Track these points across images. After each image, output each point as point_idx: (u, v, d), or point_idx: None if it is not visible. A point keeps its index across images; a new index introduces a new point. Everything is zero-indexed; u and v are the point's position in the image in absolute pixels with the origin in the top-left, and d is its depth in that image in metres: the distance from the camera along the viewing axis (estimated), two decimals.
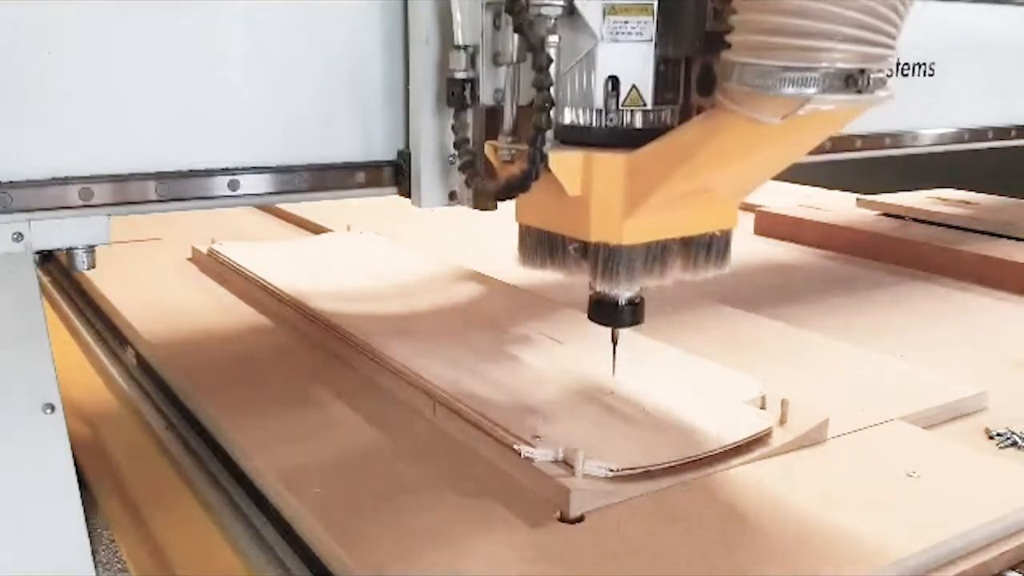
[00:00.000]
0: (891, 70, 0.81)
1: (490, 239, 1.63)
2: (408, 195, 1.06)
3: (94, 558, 0.91)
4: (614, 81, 0.90)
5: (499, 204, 1.01)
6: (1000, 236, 2.06)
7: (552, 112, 0.86)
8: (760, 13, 0.77)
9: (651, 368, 1.22)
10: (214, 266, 1.82)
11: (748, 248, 2.11)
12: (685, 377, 1.21)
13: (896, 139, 1.51)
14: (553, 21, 0.87)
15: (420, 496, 0.96)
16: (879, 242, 2.11)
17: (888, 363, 1.38)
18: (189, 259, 1.94)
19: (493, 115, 0.99)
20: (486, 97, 0.97)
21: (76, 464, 0.90)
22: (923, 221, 2.23)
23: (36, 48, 0.87)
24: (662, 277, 0.96)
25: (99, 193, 0.92)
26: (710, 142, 0.85)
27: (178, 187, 0.96)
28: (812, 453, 1.06)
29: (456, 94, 0.96)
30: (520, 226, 1.01)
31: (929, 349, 1.48)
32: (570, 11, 0.88)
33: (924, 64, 1.47)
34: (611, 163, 0.89)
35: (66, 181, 0.90)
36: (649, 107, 0.91)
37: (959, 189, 2.53)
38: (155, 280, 1.79)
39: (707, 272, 0.98)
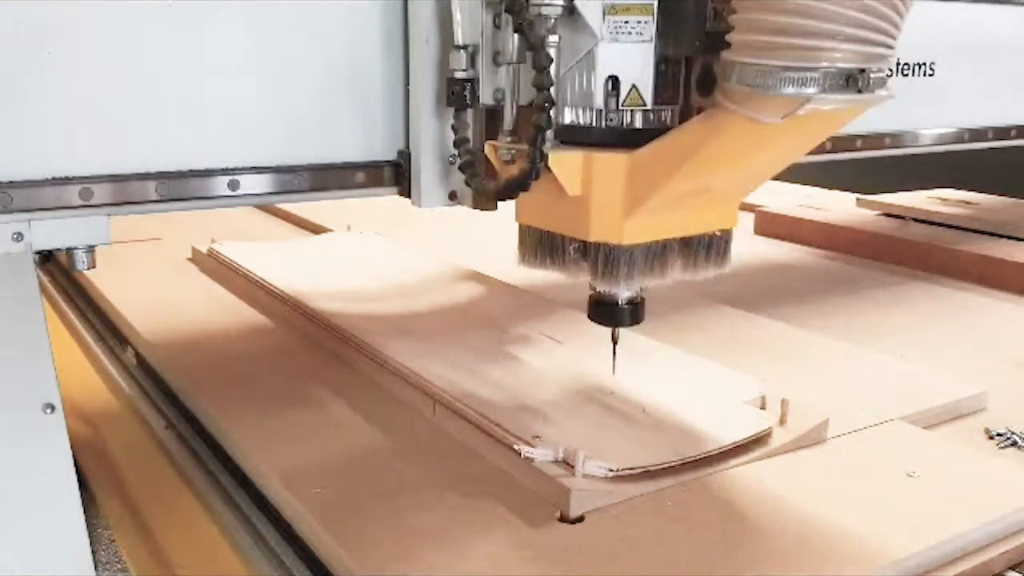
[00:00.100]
0: (891, 70, 0.81)
1: (490, 239, 1.63)
2: (408, 195, 1.06)
3: (94, 558, 0.91)
4: (614, 81, 0.90)
5: (499, 204, 1.01)
6: (1000, 236, 2.06)
7: (552, 112, 0.86)
8: (760, 13, 0.77)
9: (651, 368, 1.22)
10: (214, 266, 1.82)
11: (748, 248, 2.11)
12: (685, 377, 1.21)
13: (896, 139, 1.51)
14: (553, 21, 0.87)
15: (420, 496, 0.96)
16: (879, 242, 2.11)
17: (888, 363, 1.38)
18: (189, 259, 1.94)
19: (493, 115, 0.99)
20: (486, 97, 0.97)
21: (76, 464, 0.90)
22: (923, 221, 2.23)
23: (36, 48, 0.87)
24: (662, 277, 0.96)
25: (99, 193, 0.92)
26: (710, 142, 0.85)
27: (178, 187, 0.96)
28: (812, 453, 1.06)
29: (456, 94, 0.96)
30: (520, 226, 1.01)
31: (929, 349, 1.48)
32: (570, 11, 0.88)
33: (924, 64, 1.47)
34: (611, 163, 0.89)
35: (66, 181, 0.90)
36: (649, 107, 0.91)
37: (959, 189, 2.53)
38: (155, 280, 1.79)
39: (707, 272, 0.98)
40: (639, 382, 1.15)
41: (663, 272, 0.95)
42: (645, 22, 0.88)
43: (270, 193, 1.01)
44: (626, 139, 0.90)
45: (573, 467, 0.95)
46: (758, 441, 1.05)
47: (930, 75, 1.48)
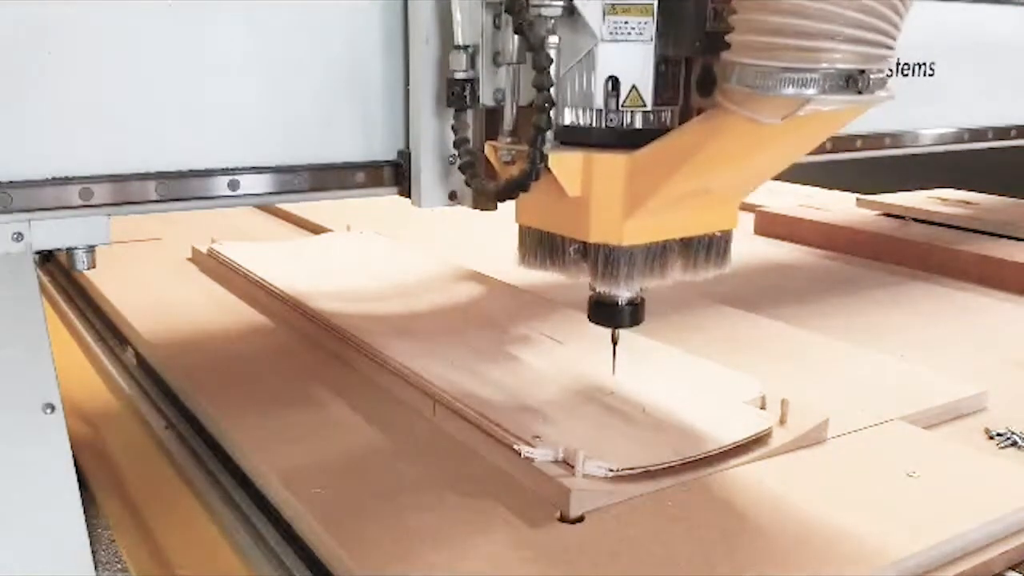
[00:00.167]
0: (891, 70, 0.81)
1: (490, 239, 1.63)
2: (408, 195, 1.06)
3: (94, 558, 0.91)
4: (614, 81, 0.90)
5: (499, 204, 1.01)
6: (1000, 236, 2.06)
7: (552, 113, 0.86)
8: (760, 13, 0.77)
9: (651, 368, 1.22)
10: (214, 266, 1.82)
11: (748, 248, 2.11)
12: (685, 377, 1.21)
13: (896, 139, 1.51)
14: (553, 21, 0.87)
15: (420, 496, 0.96)
16: (879, 242, 2.11)
17: (888, 363, 1.38)
18: (189, 259, 1.94)
19: (493, 115, 0.99)
20: (486, 97, 0.97)
21: (76, 464, 0.90)
22: (923, 221, 2.23)
23: (36, 48, 0.87)
24: (662, 278, 0.96)
25: (99, 193, 0.92)
26: (710, 143, 0.85)
27: (178, 187, 0.96)
28: (812, 453, 1.06)
29: (456, 94, 0.96)
30: (520, 227, 1.01)
31: (929, 349, 1.48)
32: (570, 11, 0.88)
33: (924, 64, 1.47)
34: (611, 164, 0.89)
35: (66, 181, 0.90)
36: (649, 107, 0.90)
37: (959, 189, 2.53)
38: (155, 280, 1.79)
39: (707, 272, 0.98)
40: (639, 382, 1.15)
41: (663, 273, 0.95)
42: (645, 22, 0.88)
43: (270, 193, 1.01)
44: (626, 140, 0.90)
45: (573, 467, 0.95)
46: (758, 441, 1.05)
47: (930, 75, 1.48)
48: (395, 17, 1.02)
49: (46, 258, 1.97)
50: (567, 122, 0.93)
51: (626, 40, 0.88)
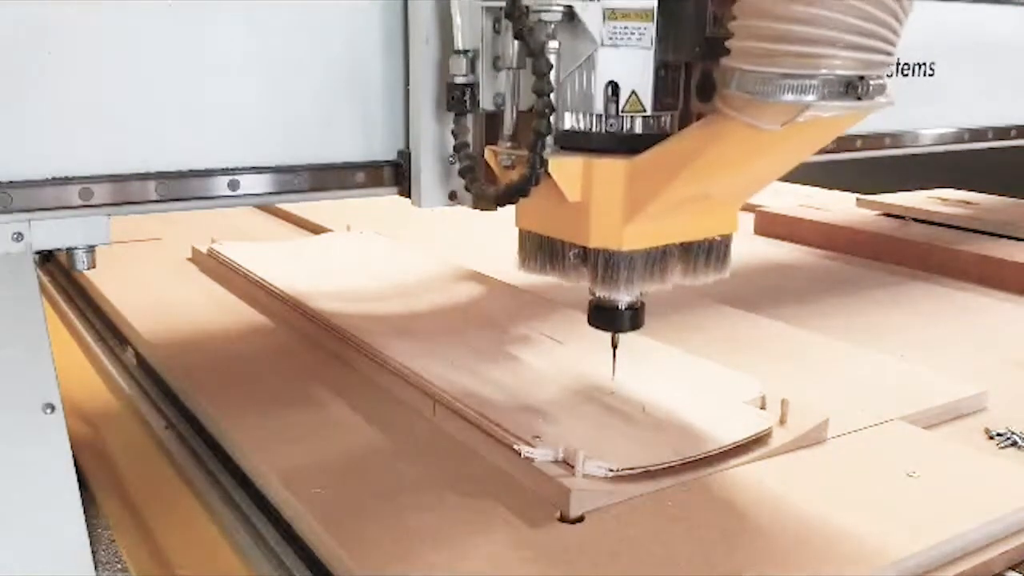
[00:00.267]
0: (891, 71, 0.81)
1: (490, 239, 1.63)
2: (408, 195, 1.06)
3: (94, 558, 0.91)
4: (614, 86, 0.90)
5: None
6: (1000, 236, 2.06)
7: (552, 118, 0.86)
8: (760, 20, 0.77)
9: (651, 368, 1.22)
10: (214, 266, 1.82)
11: (748, 248, 2.11)
12: (685, 377, 1.21)
13: (896, 139, 1.51)
14: (553, 26, 0.87)
15: (420, 496, 0.96)
16: (879, 242, 2.11)
17: (888, 363, 1.38)
18: (189, 259, 1.94)
19: (493, 120, 0.99)
20: (486, 102, 0.97)
21: (76, 464, 0.90)
22: (923, 221, 2.23)
23: (36, 48, 0.87)
24: (662, 282, 0.96)
25: (99, 193, 0.92)
26: (710, 148, 0.85)
27: (178, 187, 0.96)
28: (812, 453, 1.06)
29: (456, 98, 0.96)
30: (520, 231, 1.01)
31: (929, 349, 1.48)
32: (570, 16, 0.88)
33: (924, 64, 1.47)
34: (611, 169, 0.89)
35: (66, 181, 0.90)
36: (649, 113, 0.90)
37: (959, 189, 2.53)
38: (155, 280, 1.79)
39: (707, 277, 0.98)
40: (639, 382, 1.15)
41: (663, 277, 0.96)
42: (645, 27, 0.88)
43: (270, 193, 1.01)
44: (626, 145, 0.90)
45: (573, 467, 0.95)
46: (758, 441, 1.05)
47: (930, 75, 1.48)
48: (395, 17, 1.02)
49: (46, 258, 1.97)
50: (567, 127, 0.92)
51: (626, 45, 0.88)
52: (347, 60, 1.02)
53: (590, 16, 0.88)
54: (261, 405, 1.18)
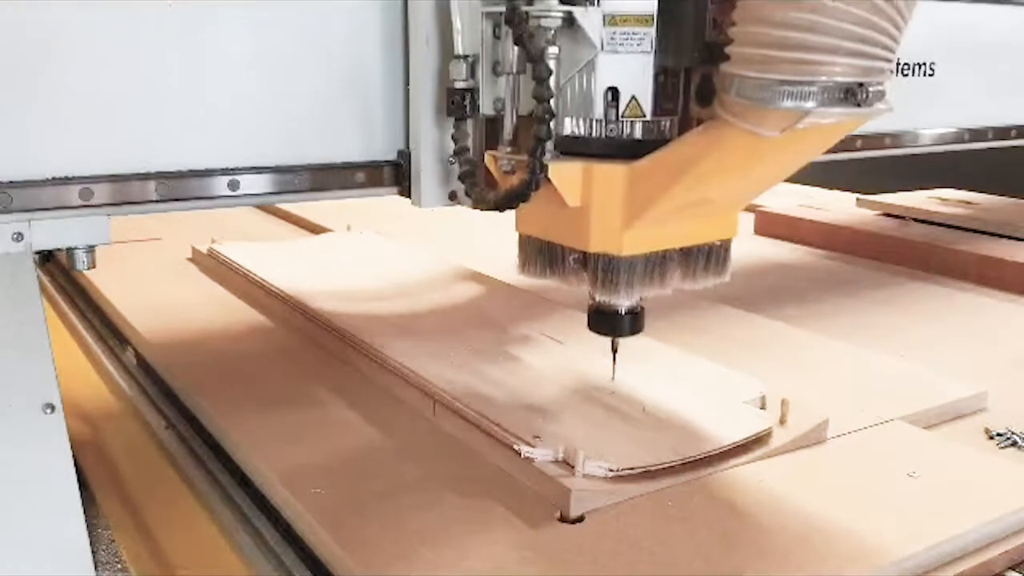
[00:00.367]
0: (891, 71, 0.81)
1: (490, 239, 1.63)
2: (408, 195, 1.06)
3: (94, 558, 0.91)
4: (614, 92, 0.89)
5: None
6: (1000, 236, 2.06)
7: (552, 123, 0.86)
8: (759, 26, 0.77)
9: (651, 368, 1.22)
10: (214, 266, 1.83)
11: (748, 248, 2.11)
12: (685, 377, 1.21)
13: (896, 139, 1.51)
14: (553, 32, 0.87)
15: (420, 496, 0.96)
16: (879, 242, 2.11)
17: (888, 363, 1.38)
18: (189, 259, 1.94)
19: (493, 125, 0.99)
20: (486, 107, 0.97)
21: (76, 464, 0.91)
22: (923, 221, 2.23)
23: (36, 48, 0.87)
24: (662, 287, 0.96)
25: (99, 193, 0.92)
26: (710, 154, 0.85)
27: (178, 187, 0.96)
28: (812, 453, 1.06)
29: (456, 103, 0.96)
30: (520, 236, 1.01)
31: (929, 349, 1.48)
32: (570, 22, 0.87)
33: (924, 64, 1.47)
34: (611, 174, 0.89)
35: (66, 181, 0.90)
36: (648, 118, 0.90)
37: (959, 189, 2.53)
38: (155, 280, 1.79)
39: (707, 281, 0.99)
40: (639, 382, 1.15)
41: (663, 282, 0.96)
42: (645, 33, 0.88)
43: (270, 193, 1.01)
44: (626, 150, 0.90)
45: (573, 467, 0.95)
46: (758, 441, 1.05)
47: (930, 75, 1.48)
48: (395, 17, 1.02)
49: (46, 258, 1.97)
50: (567, 132, 0.92)
51: (626, 50, 0.88)
52: (347, 60, 1.02)
53: (590, 21, 0.88)
54: (261, 405, 1.18)
